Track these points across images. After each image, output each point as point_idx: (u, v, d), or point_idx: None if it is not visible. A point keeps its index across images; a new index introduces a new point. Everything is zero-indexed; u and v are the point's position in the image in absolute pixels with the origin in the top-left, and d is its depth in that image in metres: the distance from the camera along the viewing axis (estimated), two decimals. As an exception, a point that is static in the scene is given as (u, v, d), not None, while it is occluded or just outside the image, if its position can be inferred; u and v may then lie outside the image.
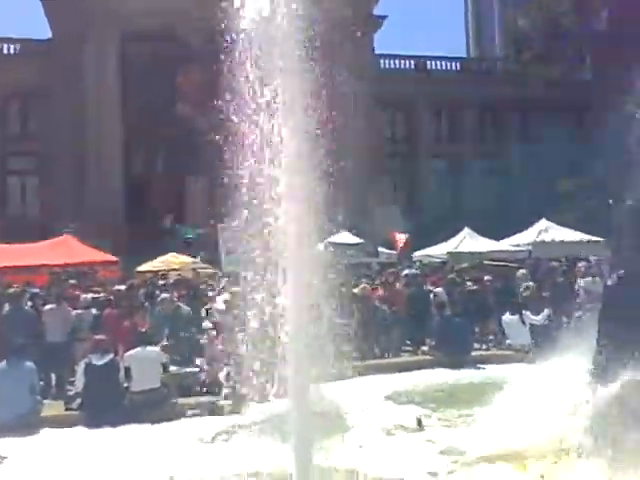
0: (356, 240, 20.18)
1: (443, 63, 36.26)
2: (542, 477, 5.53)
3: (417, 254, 22.79)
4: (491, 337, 12.65)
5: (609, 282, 5.70)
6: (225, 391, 8.37)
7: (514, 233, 22.43)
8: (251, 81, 5.04)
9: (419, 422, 7.46)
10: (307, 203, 5.07)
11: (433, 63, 35.91)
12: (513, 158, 34.52)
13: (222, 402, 8.27)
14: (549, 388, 6.28)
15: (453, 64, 36.69)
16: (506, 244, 21.95)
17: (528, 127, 35.48)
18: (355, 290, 11.95)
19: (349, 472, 5.57)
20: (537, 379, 6.70)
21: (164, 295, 10.90)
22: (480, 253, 20.96)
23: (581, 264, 15.07)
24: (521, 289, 12.30)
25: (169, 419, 8.11)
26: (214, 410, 8.33)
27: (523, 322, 11.56)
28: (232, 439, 7.28)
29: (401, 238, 21.69)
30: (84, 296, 10.78)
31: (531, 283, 12.55)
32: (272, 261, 5.12)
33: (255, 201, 5.13)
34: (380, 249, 21.13)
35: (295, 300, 4.98)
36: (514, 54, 36.99)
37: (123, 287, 12.07)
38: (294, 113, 5.00)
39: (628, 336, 5.37)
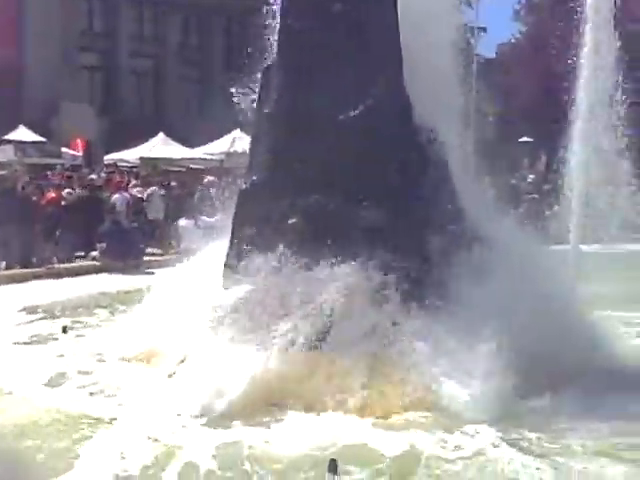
0: (36, 138, 18.49)
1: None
2: (170, 375, 5.65)
3: (109, 157, 21.76)
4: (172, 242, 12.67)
5: (243, 187, 5.86)
6: None
7: (212, 141, 22.55)
8: None
9: (64, 329, 7.14)
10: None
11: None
12: (217, 65, 34.38)
13: None
14: (193, 290, 6.40)
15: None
16: (200, 152, 22.00)
17: (233, 33, 35.32)
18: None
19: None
20: (187, 281, 6.78)
21: None
22: (173, 159, 20.75)
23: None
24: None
25: None
26: None
27: (198, 226, 11.74)
28: None
29: (81, 141, 20.46)
30: None
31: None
32: None
33: None
34: (65, 150, 19.69)
35: None
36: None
37: None
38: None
39: (258, 239, 5.61)
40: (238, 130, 22.45)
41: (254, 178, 5.79)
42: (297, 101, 5.71)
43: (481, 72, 36.97)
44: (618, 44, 10.14)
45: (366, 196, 5.41)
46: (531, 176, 19.11)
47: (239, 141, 21.90)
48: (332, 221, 5.49)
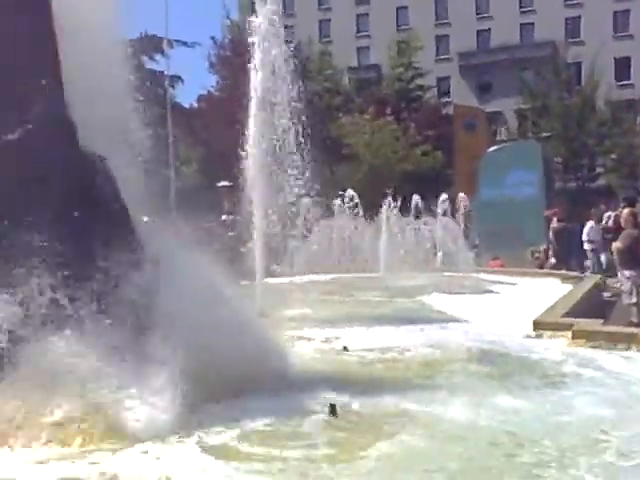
0: None
1: None
2: None
3: None
4: None
5: None
6: None
7: None
8: None
9: None
10: None
11: None
12: None
13: None
14: None
15: None
16: None
17: None
18: None
19: None
20: None
21: None
22: None
23: None
24: None
25: None
26: None
27: None
28: None
29: None
30: None
31: None
32: None
33: None
34: None
35: None
36: None
37: None
38: None
39: None
40: None
41: None
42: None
43: (180, 120, 38.02)
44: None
45: (32, 221, 5.13)
46: (224, 217, 19.97)
47: None
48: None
